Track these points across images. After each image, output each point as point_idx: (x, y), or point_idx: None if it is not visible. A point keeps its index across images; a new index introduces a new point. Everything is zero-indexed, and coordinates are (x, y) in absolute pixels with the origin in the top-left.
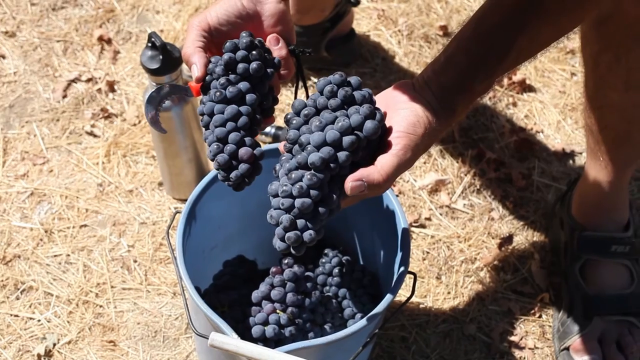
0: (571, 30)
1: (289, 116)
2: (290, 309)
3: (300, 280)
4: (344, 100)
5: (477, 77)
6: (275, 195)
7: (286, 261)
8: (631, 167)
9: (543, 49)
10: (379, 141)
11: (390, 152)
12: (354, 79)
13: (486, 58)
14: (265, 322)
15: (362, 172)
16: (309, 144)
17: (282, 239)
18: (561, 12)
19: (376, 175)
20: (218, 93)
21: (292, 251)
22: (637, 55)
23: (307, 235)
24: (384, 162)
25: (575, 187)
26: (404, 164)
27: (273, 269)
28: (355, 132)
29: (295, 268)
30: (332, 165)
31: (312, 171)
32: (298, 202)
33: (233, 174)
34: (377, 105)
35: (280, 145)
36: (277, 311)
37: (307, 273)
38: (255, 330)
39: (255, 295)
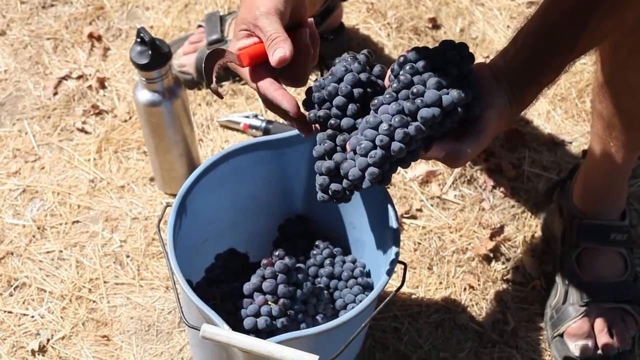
0: (632, 20)
1: (401, 59)
2: (281, 300)
3: (291, 272)
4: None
5: (545, 71)
6: (374, 128)
7: (277, 253)
8: (638, 151)
9: (606, 38)
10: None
11: (478, 138)
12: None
13: (552, 53)
14: (257, 314)
15: (451, 146)
16: (421, 96)
17: (363, 170)
18: (619, 6)
19: (461, 155)
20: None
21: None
22: None
23: (387, 176)
24: (471, 146)
25: (576, 175)
26: (480, 150)
27: (264, 261)
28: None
29: (286, 260)
30: (435, 125)
31: (420, 123)
32: (395, 145)
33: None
34: None
35: (387, 80)
36: (269, 303)
37: (298, 264)
38: (247, 322)
39: (247, 287)
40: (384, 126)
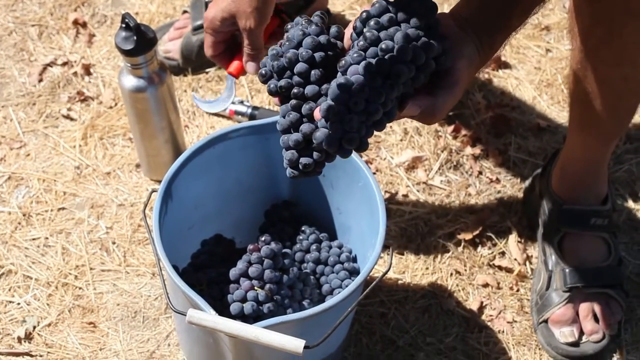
0: None
1: (364, 15)
2: (268, 285)
3: (277, 257)
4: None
5: (513, 14)
6: (345, 91)
7: (263, 238)
8: (614, 140)
9: None
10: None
11: (453, 90)
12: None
13: None
14: (244, 299)
15: (426, 102)
16: (391, 52)
17: (339, 138)
18: None
19: (437, 110)
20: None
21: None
22: (631, 30)
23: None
24: (445, 100)
25: (555, 161)
26: (455, 102)
27: (250, 247)
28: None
29: (273, 245)
30: (409, 82)
31: (393, 82)
32: (371, 107)
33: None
34: None
35: (347, 41)
36: (255, 288)
37: (284, 250)
38: (234, 307)
39: (233, 272)
40: (356, 87)
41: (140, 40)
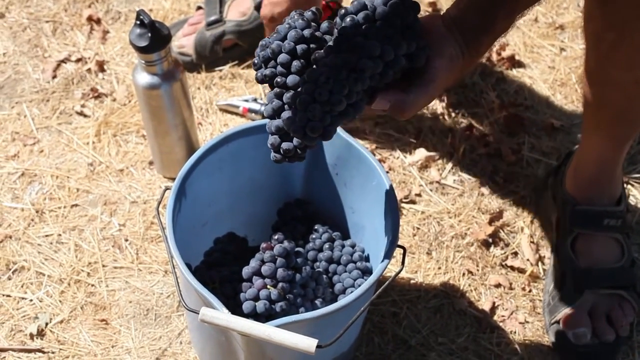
0: None
1: (342, 12)
2: (280, 284)
3: (290, 256)
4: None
5: (498, 18)
6: (312, 82)
7: (276, 237)
8: (628, 142)
9: None
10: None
11: (427, 88)
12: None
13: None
14: (256, 298)
15: (396, 97)
16: (360, 48)
17: (303, 126)
18: None
19: (407, 106)
20: None
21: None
22: None
23: (328, 129)
24: (417, 97)
25: (569, 162)
26: (430, 101)
27: (263, 245)
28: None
29: (286, 243)
30: (377, 76)
31: (359, 75)
32: (334, 98)
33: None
34: None
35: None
36: (268, 287)
37: (297, 249)
38: (246, 306)
39: (246, 271)
40: (321, 79)
41: (154, 37)
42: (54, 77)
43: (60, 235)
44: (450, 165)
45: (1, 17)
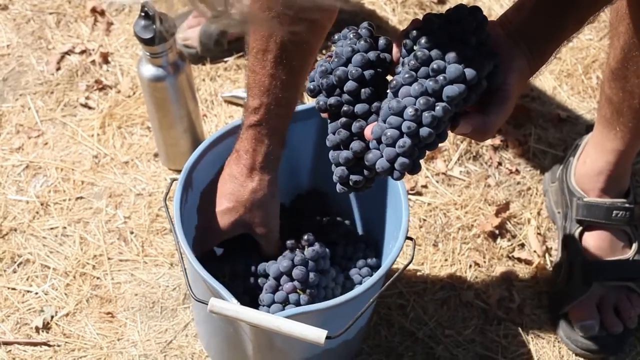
0: None
1: (414, 33)
2: (308, 290)
3: (319, 260)
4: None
5: (569, 23)
6: (398, 114)
7: (306, 237)
8: None
9: None
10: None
11: (504, 107)
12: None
13: (575, 2)
14: (285, 301)
15: (478, 120)
16: (443, 72)
17: (391, 161)
18: None
19: (489, 128)
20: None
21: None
22: None
23: (416, 164)
24: (498, 117)
25: (578, 154)
26: (508, 116)
27: (289, 243)
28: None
29: (317, 246)
30: (461, 102)
31: (446, 103)
32: (424, 131)
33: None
34: None
35: (395, 54)
36: (298, 290)
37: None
38: (274, 309)
39: (274, 269)
40: (409, 111)
41: (159, 29)
42: (58, 69)
43: (65, 228)
44: (456, 156)
45: (5, 9)
